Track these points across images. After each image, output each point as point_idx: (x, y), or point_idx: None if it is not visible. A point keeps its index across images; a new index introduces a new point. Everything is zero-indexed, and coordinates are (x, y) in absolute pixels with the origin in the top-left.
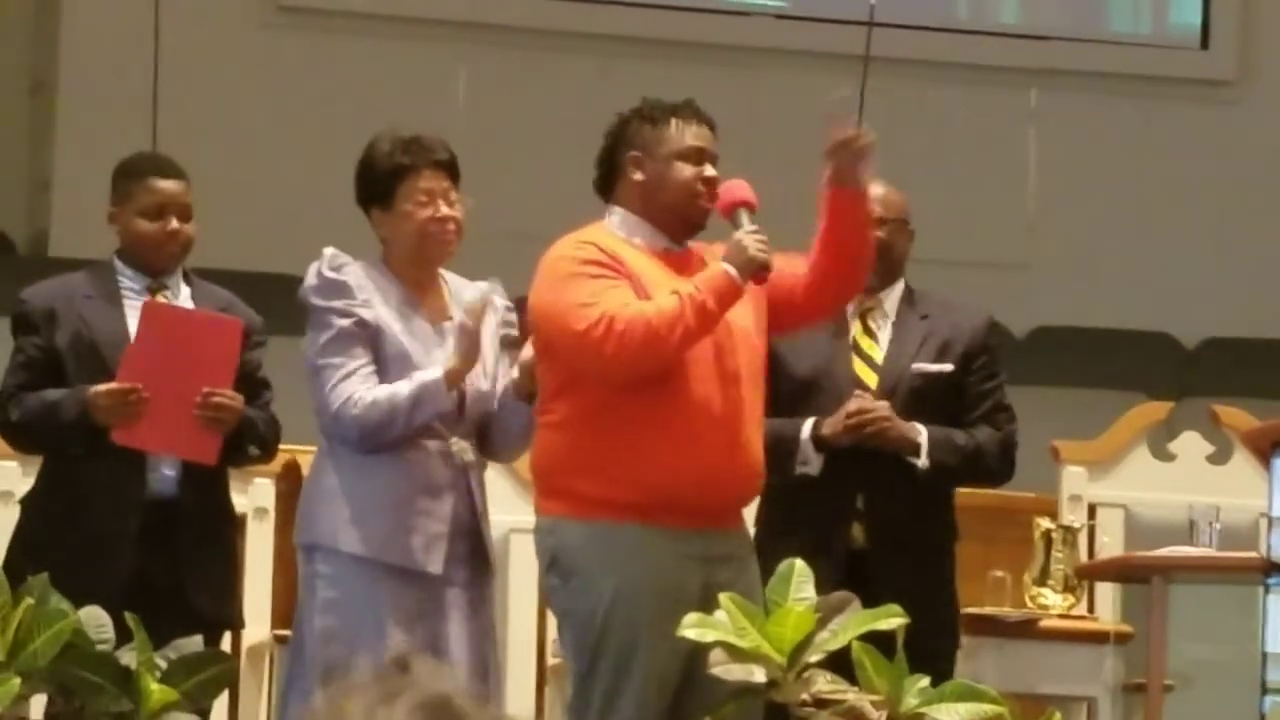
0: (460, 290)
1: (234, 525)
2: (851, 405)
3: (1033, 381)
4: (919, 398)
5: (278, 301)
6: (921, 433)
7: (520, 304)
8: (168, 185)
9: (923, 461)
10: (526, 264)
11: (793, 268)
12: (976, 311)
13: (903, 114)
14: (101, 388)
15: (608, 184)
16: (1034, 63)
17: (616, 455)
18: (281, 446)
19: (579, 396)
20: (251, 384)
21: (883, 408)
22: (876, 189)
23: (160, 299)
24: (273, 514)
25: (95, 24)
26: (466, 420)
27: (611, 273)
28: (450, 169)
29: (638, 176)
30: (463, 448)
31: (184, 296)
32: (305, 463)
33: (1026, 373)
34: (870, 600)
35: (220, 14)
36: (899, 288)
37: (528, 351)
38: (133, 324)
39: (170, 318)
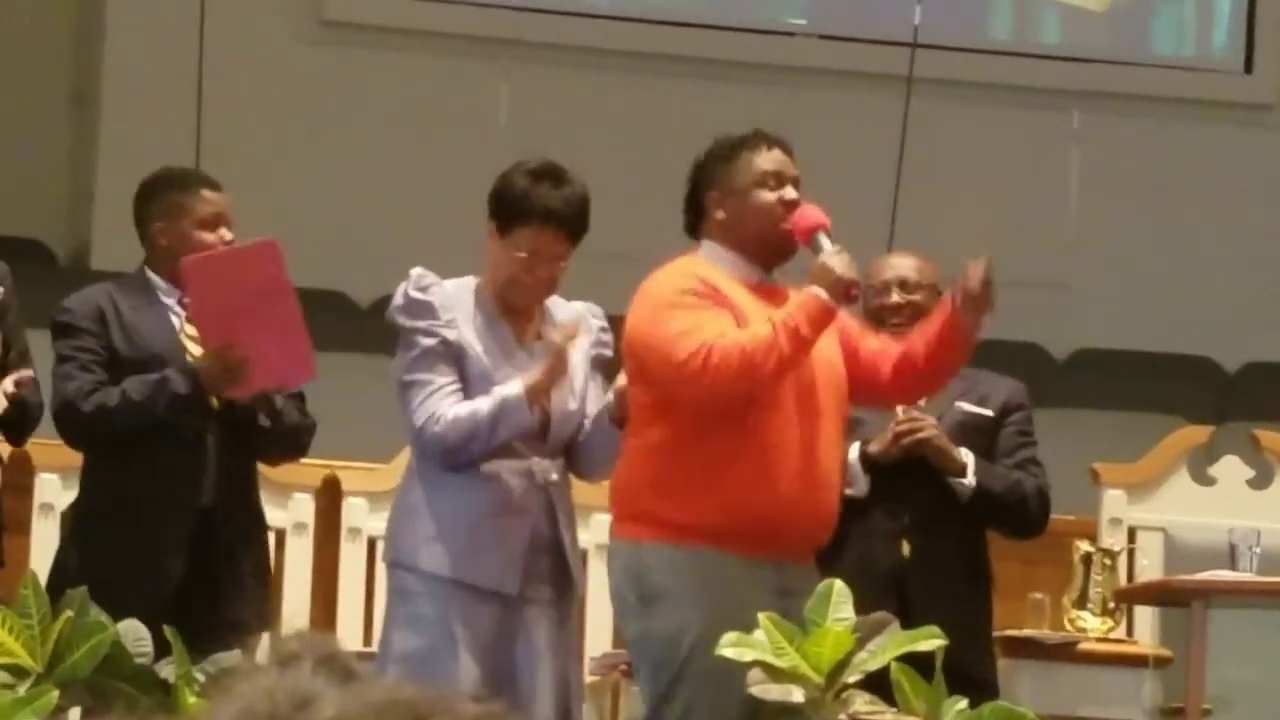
0: (555, 309)
1: (267, 533)
2: (901, 416)
3: (1073, 404)
4: (960, 433)
5: (324, 316)
6: (969, 455)
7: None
8: (219, 197)
9: (969, 481)
10: (569, 280)
11: (869, 341)
12: (1012, 380)
13: (945, 134)
14: (202, 355)
15: (696, 227)
16: (1076, 84)
17: (701, 482)
18: (322, 462)
19: (669, 423)
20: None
21: (931, 421)
22: (910, 260)
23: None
24: (312, 528)
25: (138, 36)
26: (552, 440)
27: (711, 302)
28: (576, 232)
29: (720, 215)
30: (545, 467)
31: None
32: (345, 478)
33: (1067, 395)
34: (910, 624)
35: (264, 28)
36: None
37: (623, 378)
38: (180, 333)
39: (211, 265)
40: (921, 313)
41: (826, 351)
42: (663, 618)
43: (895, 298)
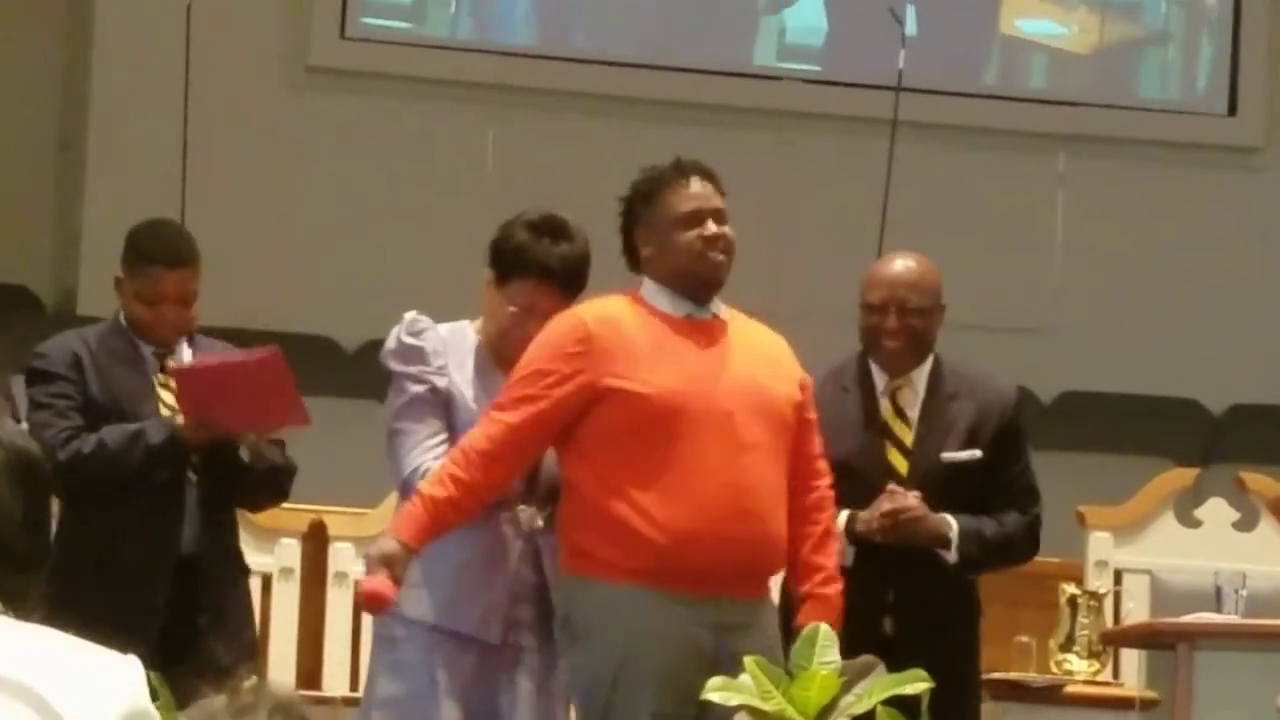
0: None
1: (249, 577)
2: (885, 504)
3: (1059, 447)
4: (949, 485)
5: (307, 361)
6: (952, 527)
7: None
8: (170, 276)
9: (952, 556)
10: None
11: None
12: (1006, 388)
13: (930, 178)
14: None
15: (633, 262)
16: (1062, 128)
17: (625, 518)
18: (308, 506)
19: (588, 458)
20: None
21: (915, 505)
22: (913, 269)
23: (171, 363)
24: (298, 573)
25: (125, 82)
26: (539, 490)
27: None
28: (573, 288)
29: (647, 251)
30: (531, 515)
31: (184, 356)
32: (332, 523)
33: (1052, 438)
34: (896, 670)
35: (249, 74)
36: (928, 364)
37: None
38: (157, 383)
39: (205, 376)
40: (919, 338)
41: (762, 380)
42: (588, 654)
43: (892, 322)
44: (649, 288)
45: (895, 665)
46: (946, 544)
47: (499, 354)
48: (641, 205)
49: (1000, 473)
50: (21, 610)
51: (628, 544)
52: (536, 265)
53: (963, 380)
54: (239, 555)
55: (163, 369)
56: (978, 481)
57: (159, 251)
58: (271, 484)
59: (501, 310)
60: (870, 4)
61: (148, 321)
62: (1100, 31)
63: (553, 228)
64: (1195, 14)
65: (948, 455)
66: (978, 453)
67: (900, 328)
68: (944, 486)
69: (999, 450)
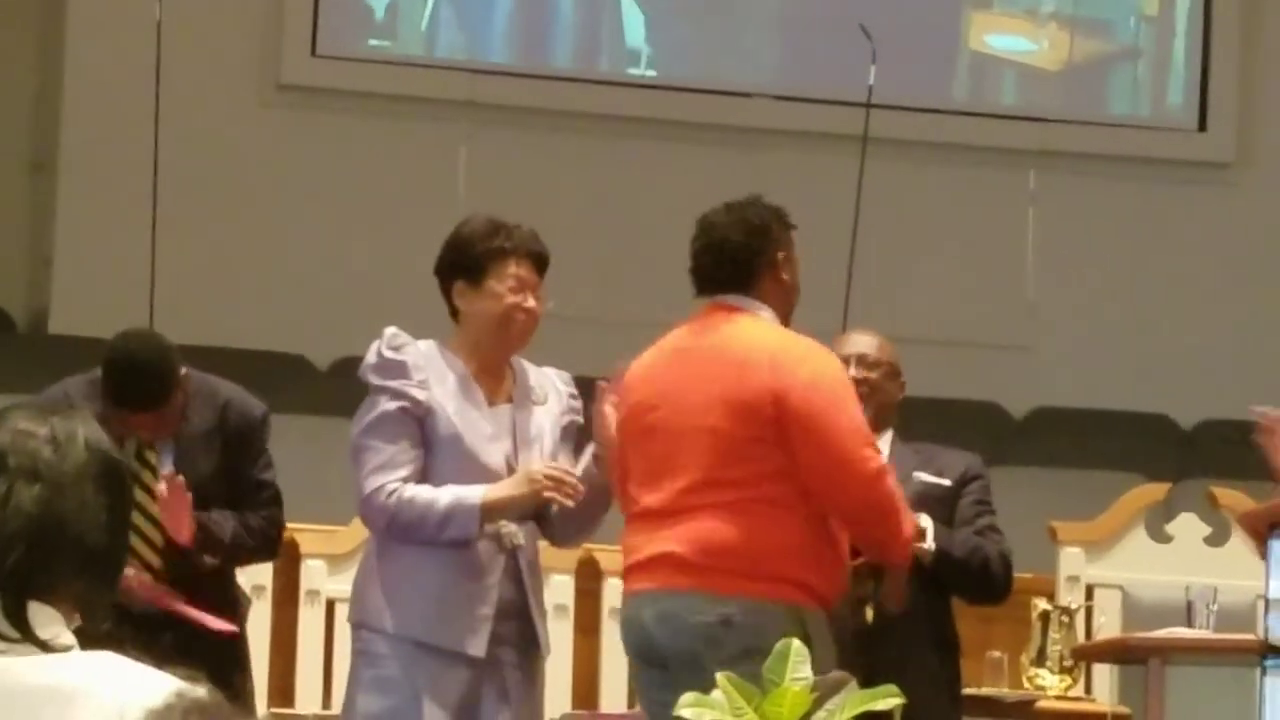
0: (525, 373)
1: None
2: None
3: (1031, 462)
4: (919, 504)
5: (283, 379)
6: (927, 520)
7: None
8: (137, 418)
9: (928, 545)
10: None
11: None
12: (969, 453)
13: (901, 195)
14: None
15: (748, 280)
16: (1033, 144)
17: (831, 550)
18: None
19: (797, 490)
20: (248, 487)
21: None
22: (869, 338)
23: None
24: (270, 591)
25: (96, 103)
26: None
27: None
28: (542, 265)
29: (785, 277)
30: (512, 531)
31: (168, 461)
32: (304, 540)
33: (1025, 454)
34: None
35: (221, 93)
36: (889, 435)
37: (596, 446)
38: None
39: (166, 601)
40: (878, 391)
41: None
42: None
43: (854, 372)
44: (770, 316)
45: (875, 665)
46: (920, 536)
47: (492, 349)
48: (786, 230)
49: (966, 511)
50: (93, 620)
51: (835, 577)
52: (512, 246)
53: (924, 446)
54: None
55: (139, 454)
56: (946, 513)
57: (126, 392)
58: (259, 556)
59: (490, 303)
60: (838, 20)
61: (115, 440)
62: (1070, 48)
63: (502, 223)
64: (1165, 30)
65: (919, 474)
66: (947, 481)
67: (862, 379)
68: (914, 506)
69: (964, 489)
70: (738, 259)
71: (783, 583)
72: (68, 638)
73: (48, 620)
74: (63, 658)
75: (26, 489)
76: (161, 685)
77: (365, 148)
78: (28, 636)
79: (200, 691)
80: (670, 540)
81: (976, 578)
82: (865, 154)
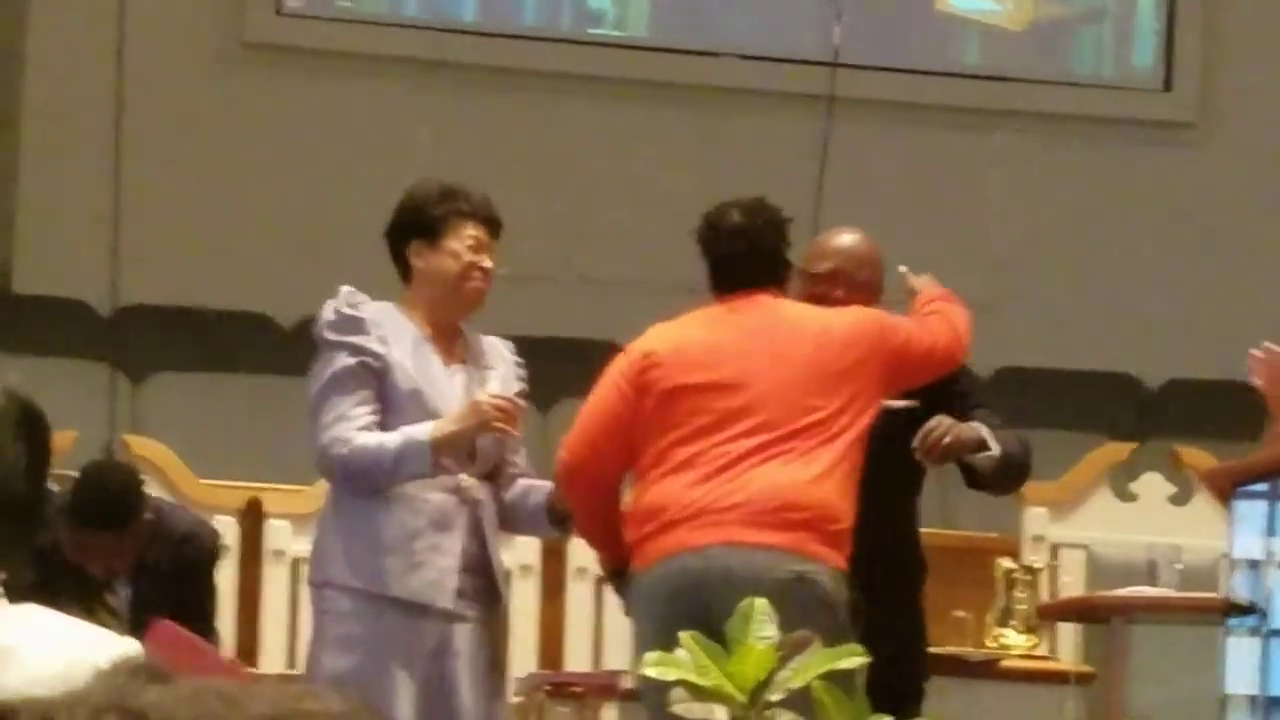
0: (476, 340)
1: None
2: (919, 438)
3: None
4: (885, 437)
5: (247, 338)
6: (982, 427)
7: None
8: (93, 540)
9: (994, 451)
10: (491, 301)
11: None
12: None
13: (866, 154)
14: None
15: (781, 279)
16: (997, 104)
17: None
18: (244, 484)
19: (847, 444)
20: (196, 617)
21: (945, 425)
22: (861, 244)
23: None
24: (235, 551)
25: (58, 61)
26: (479, 462)
27: None
28: (496, 231)
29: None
30: (473, 485)
31: (123, 599)
32: (268, 500)
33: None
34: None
35: (183, 51)
36: None
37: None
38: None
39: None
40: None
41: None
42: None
43: (840, 293)
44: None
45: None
46: (983, 444)
47: (446, 309)
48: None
49: (962, 406)
50: (12, 564)
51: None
52: (468, 209)
53: None
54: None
55: (100, 598)
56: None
57: (90, 518)
58: None
59: (448, 262)
60: None
61: (82, 558)
62: (1034, 8)
63: (455, 186)
64: None
65: (888, 403)
66: (915, 403)
67: (847, 300)
68: (884, 436)
69: (944, 396)
70: (775, 260)
71: (844, 546)
72: None
73: None
74: None
75: None
76: (102, 643)
77: (330, 106)
78: None
79: (139, 649)
80: (738, 493)
81: (1026, 464)
82: (831, 113)
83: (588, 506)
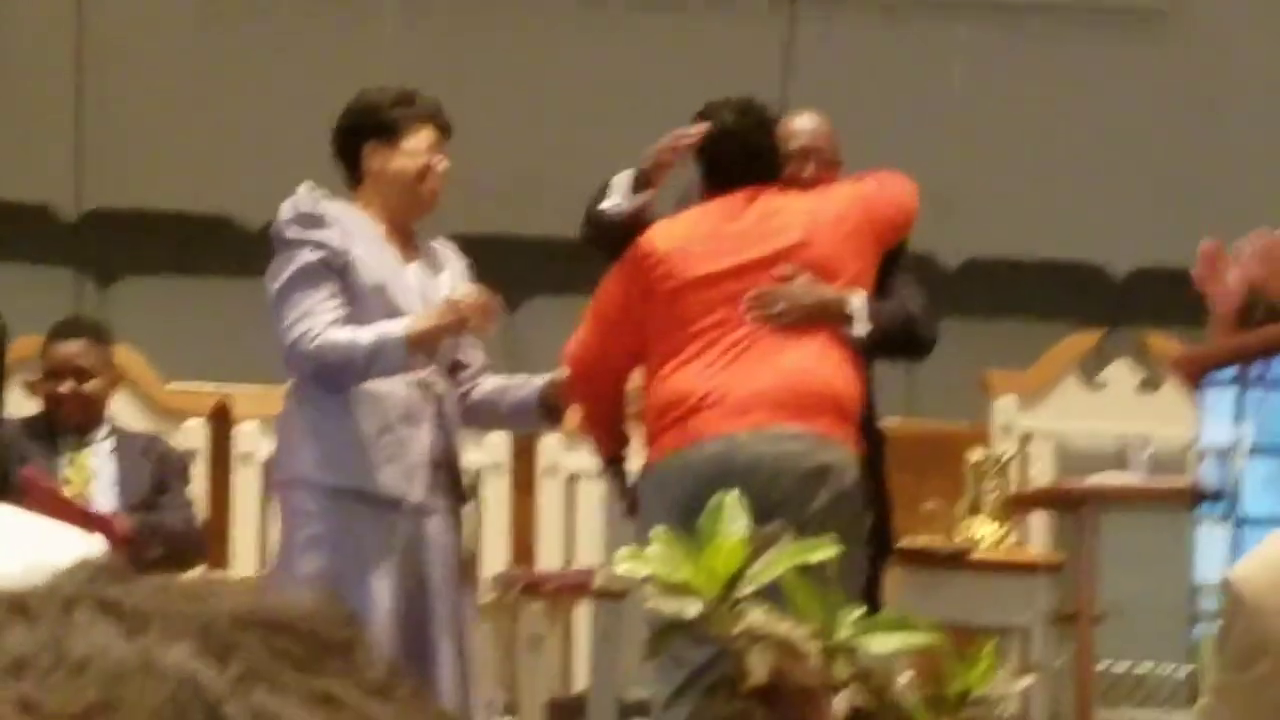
0: (425, 242)
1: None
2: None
3: (963, 314)
4: None
5: (211, 241)
6: (857, 299)
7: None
8: (64, 348)
9: (859, 331)
10: (450, 198)
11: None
12: None
13: (828, 51)
14: None
15: (777, 175)
16: None
17: None
18: (212, 386)
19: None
20: (162, 492)
21: (780, 295)
22: (826, 124)
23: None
24: (205, 453)
25: None
26: (440, 356)
27: None
28: (448, 135)
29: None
30: (435, 379)
31: (104, 452)
32: (236, 403)
33: (956, 305)
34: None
35: None
36: None
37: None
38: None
39: (47, 497)
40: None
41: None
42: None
43: (812, 170)
44: None
45: None
46: (847, 318)
47: (403, 209)
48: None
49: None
50: None
51: None
52: (424, 111)
53: None
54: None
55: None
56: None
57: (61, 329)
58: (181, 557)
59: (404, 162)
60: None
61: (49, 401)
62: None
63: (406, 91)
64: None
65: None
66: None
67: (819, 176)
68: None
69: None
70: (768, 159)
71: (858, 429)
72: None
73: None
74: None
75: None
76: (65, 541)
77: (291, 8)
78: None
79: (100, 548)
80: (759, 379)
81: (905, 345)
82: (794, 14)
83: (595, 400)
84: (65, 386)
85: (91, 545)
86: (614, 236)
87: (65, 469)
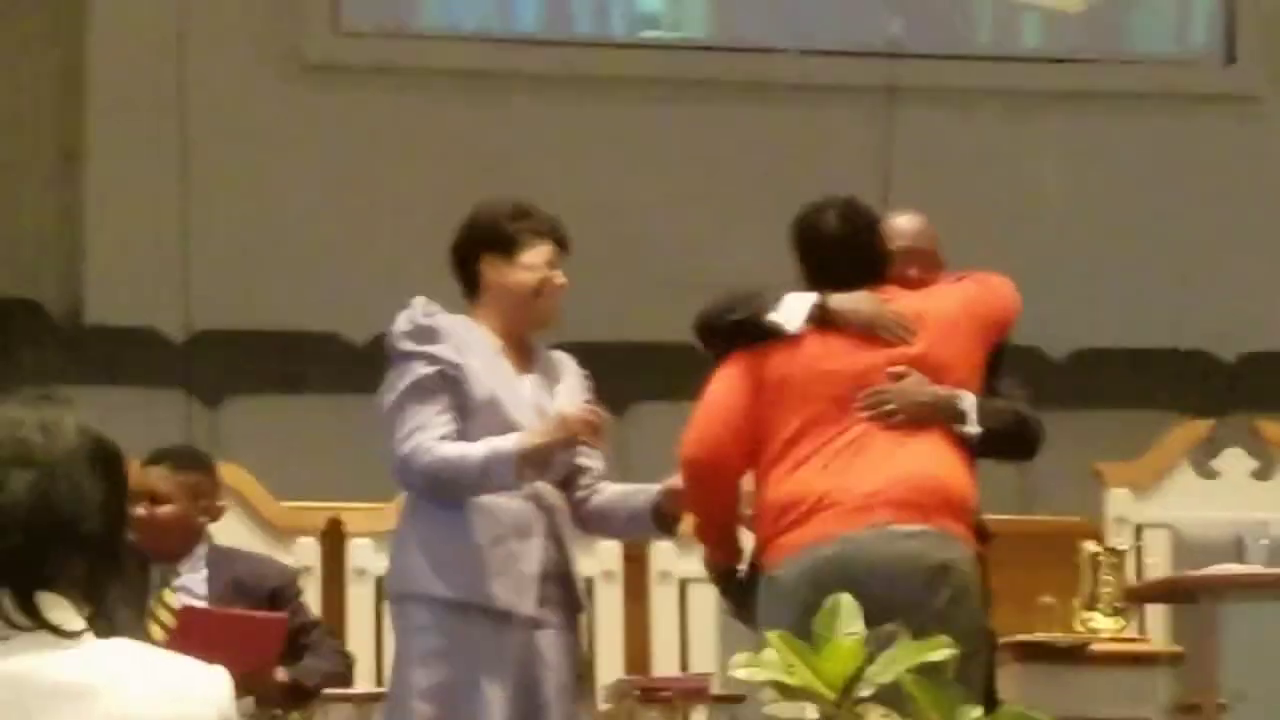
0: (543, 352)
1: None
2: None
3: (1072, 405)
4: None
5: (319, 358)
6: (967, 400)
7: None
8: (141, 473)
9: (971, 430)
10: (564, 304)
11: None
12: None
13: (931, 142)
14: None
15: (884, 276)
16: (1058, 86)
17: None
18: (324, 504)
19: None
20: (301, 632)
21: (893, 393)
22: (929, 228)
23: (178, 596)
24: (318, 571)
25: (121, 89)
26: (554, 466)
27: None
28: (568, 249)
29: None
30: (549, 491)
31: (199, 578)
32: (348, 519)
33: (1066, 396)
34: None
35: (245, 73)
36: None
37: (676, 479)
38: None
39: (206, 621)
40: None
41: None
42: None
43: (914, 273)
44: None
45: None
46: (961, 418)
47: (519, 322)
48: None
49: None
50: (102, 608)
51: None
52: (543, 227)
53: None
54: None
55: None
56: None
57: (154, 456)
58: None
59: (522, 276)
60: None
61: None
62: None
63: (525, 205)
64: None
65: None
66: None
67: (921, 276)
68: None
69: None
70: (875, 260)
71: (973, 527)
72: (79, 624)
73: (55, 607)
74: (79, 649)
75: (19, 475)
76: (191, 679)
77: (392, 122)
78: (39, 622)
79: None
80: (873, 478)
81: (1021, 441)
82: (893, 104)
83: (711, 504)
84: (141, 510)
85: (217, 678)
86: (733, 345)
87: (152, 595)
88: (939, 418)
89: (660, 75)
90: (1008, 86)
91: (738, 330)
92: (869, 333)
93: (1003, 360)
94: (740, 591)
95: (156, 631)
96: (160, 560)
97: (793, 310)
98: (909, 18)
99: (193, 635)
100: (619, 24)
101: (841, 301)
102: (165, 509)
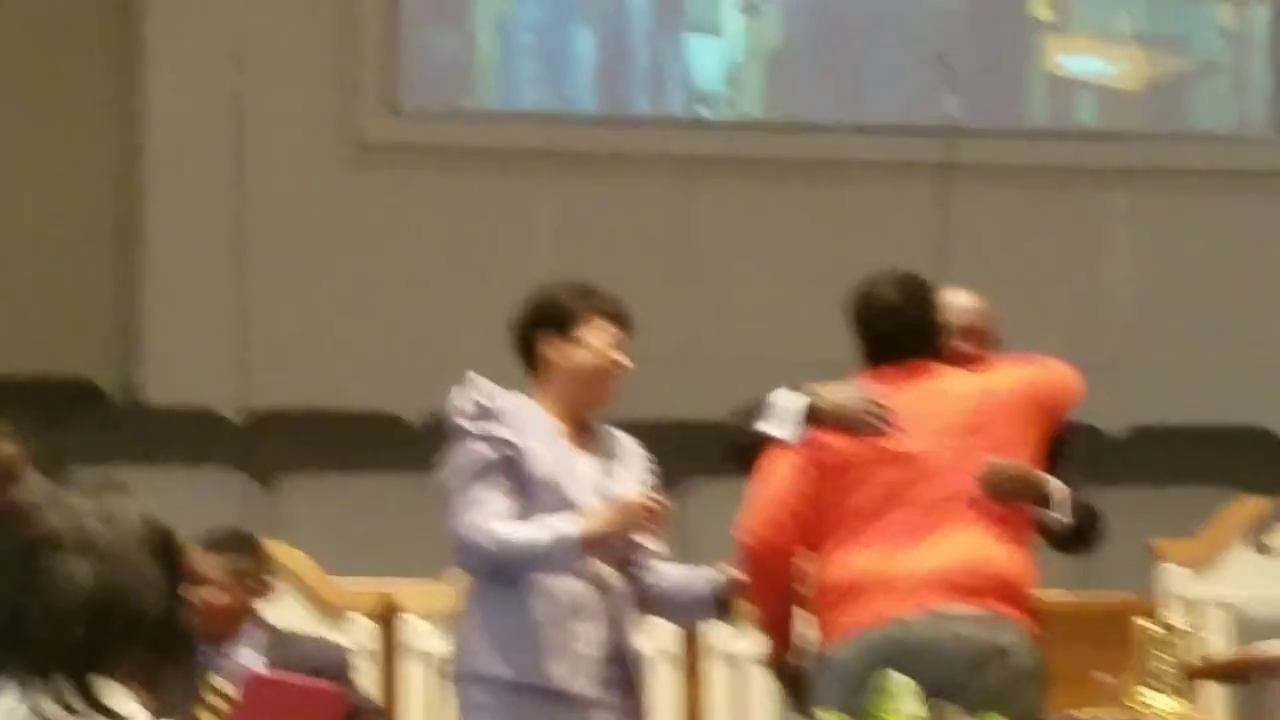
0: (605, 433)
1: None
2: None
3: (1129, 481)
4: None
5: (376, 437)
6: (1057, 486)
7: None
8: (199, 558)
9: (1064, 519)
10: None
11: None
12: None
13: (986, 220)
14: None
15: (939, 350)
16: (1116, 163)
17: None
18: (378, 584)
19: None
20: (355, 715)
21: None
22: (987, 306)
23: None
24: (373, 651)
25: (179, 167)
26: (614, 549)
27: None
28: (629, 329)
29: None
30: (610, 573)
31: (252, 658)
32: (404, 598)
33: (1123, 472)
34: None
35: (302, 155)
36: None
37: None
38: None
39: (272, 690)
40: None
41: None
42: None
43: (971, 350)
44: None
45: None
46: (1045, 502)
47: (579, 401)
48: None
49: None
50: (161, 689)
51: None
52: (602, 306)
53: None
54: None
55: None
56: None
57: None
58: None
59: (582, 355)
60: (908, 49)
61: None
62: (1149, 66)
63: (587, 285)
64: (1243, 42)
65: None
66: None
67: (977, 354)
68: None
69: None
70: (931, 334)
71: (1031, 610)
72: (136, 710)
73: (114, 694)
74: None
75: (80, 563)
76: None
77: (450, 202)
78: (98, 710)
79: None
80: (930, 561)
81: (1087, 541)
82: (949, 181)
83: (770, 590)
84: (196, 597)
85: None
86: (753, 459)
87: (199, 680)
88: (1025, 496)
89: (718, 153)
90: (1063, 163)
91: (755, 448)
92: (849, 430)
93: (1064, 448)
94: (798, 685)
95: (205, 717)
96: (206, 642)
97: (785, 416)
98: (965, 95)
99: (258, 703)
100: (676, 102)
101: (827, 398)
102: (204, 591)
